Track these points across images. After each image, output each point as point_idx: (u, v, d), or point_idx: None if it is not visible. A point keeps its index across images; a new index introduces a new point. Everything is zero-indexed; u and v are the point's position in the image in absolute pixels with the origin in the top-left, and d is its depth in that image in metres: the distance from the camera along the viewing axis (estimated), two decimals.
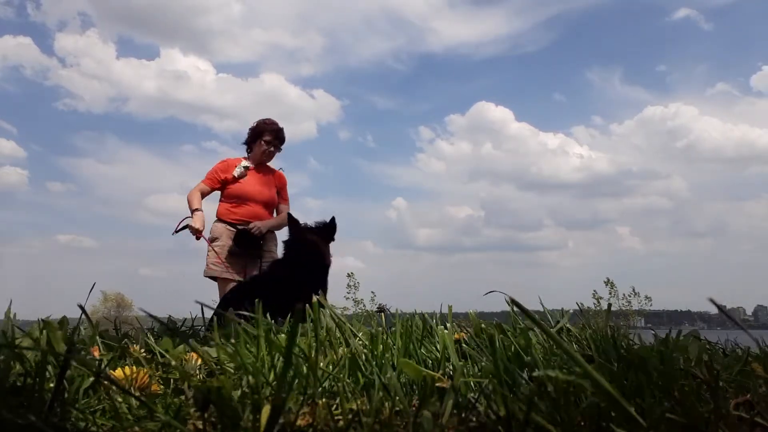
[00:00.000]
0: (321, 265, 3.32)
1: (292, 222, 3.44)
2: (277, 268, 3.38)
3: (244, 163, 4.21)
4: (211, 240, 4.03)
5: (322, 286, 3.29)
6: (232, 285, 3.92)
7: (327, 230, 3.45)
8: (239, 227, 4.01)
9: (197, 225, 3.97)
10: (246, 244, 3.99)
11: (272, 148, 4.27)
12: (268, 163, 4.36)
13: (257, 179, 4.21)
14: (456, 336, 1.35)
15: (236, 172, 4.12)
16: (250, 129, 4.32)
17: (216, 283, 4.04)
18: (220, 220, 4.10)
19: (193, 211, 4.01)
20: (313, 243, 3.33)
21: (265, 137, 4.23)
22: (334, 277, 3.63)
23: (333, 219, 3.48)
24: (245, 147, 4.36)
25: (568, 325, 1.46)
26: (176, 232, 4.03)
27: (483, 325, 1.40)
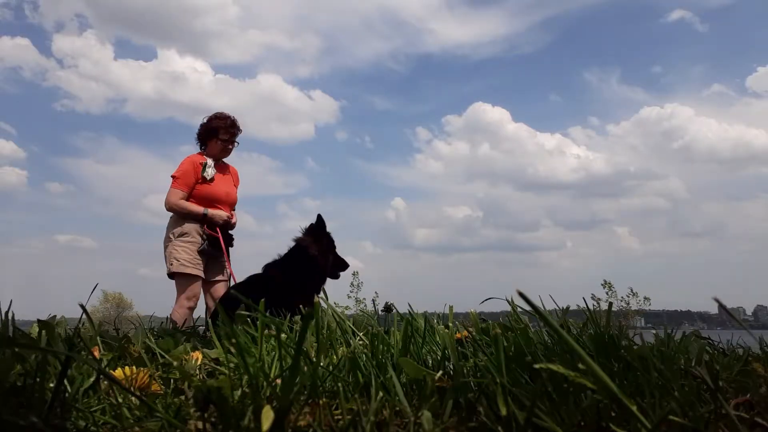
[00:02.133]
0: (316, 269, 3.40)
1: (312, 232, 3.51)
2: (273, 270, 3.43)
3: (209, 161, 4.12)
4: (179, 235, 3.95)
5: (315, 287, 3.35)
6: (197, 283, 3.93)
7: (316, 230, 3.54)
8: (207, 228, 4.01)
9: (221, 218, 4.01)
10: (218, 245, 4.01)
11: (230, 146, 4.22)
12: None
13: (222, 180, 4.18)
14: (457, 335, 1.35)
15: (208, 174, 4.06)
16: (202, 125, 4.21)
17: (174, 281, 3.96)
18: (187, 219, 4.01)
19: (203, 214, 3.97)
20: (308, 250, 3.43)
21: (222, 135, 4.15)
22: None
23: (319, 216, 3.57)
24: (197, 143, 4.24)
25: (569, 322, 1.46)
26: (227, 245, 4.05)
27: (483, 326, 1.40)
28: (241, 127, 4.26)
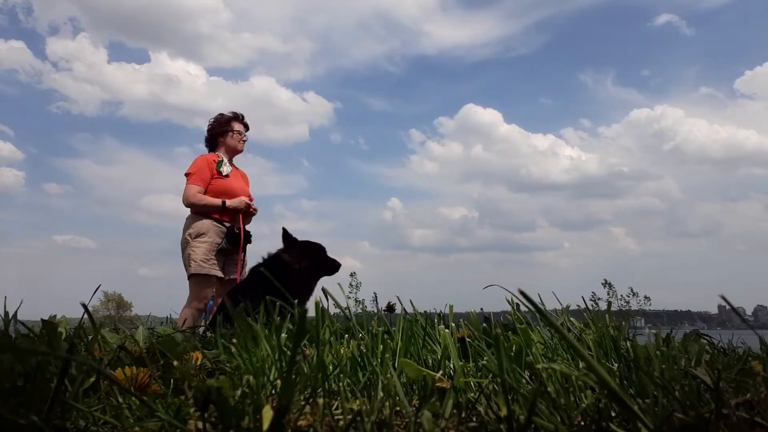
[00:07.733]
0: (293, 276, 3.38)
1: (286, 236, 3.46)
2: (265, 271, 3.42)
3: (224, 159, 4.10)
4: (197, 236, 3.87)
5: (303, 290, 3.33)
6: (211, 284, 3.86)
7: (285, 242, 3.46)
8: (227, 224, 3.95)
9: (242, 203, 3.94)
10: (238, 243, 3.93)
11: (244, 138, 4.23)
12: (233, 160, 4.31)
13: (236, 176, 4.17)
14: (458, 335, 1.35)
15: (224, 170, 4.03)
16: (211, 125, 4.22)
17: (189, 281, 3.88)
18: (204, 216, 3.94)
19: (222, 204, 3.91)
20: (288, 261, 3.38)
21: (236, 126, 4.17)
22: (333, 277, 3.64)
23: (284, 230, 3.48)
24: (206, 146, 4.24)
25: (571, 320, 1.46)
26: (245, 242, 3.97)
27: (484, 325, 1.40)
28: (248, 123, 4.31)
